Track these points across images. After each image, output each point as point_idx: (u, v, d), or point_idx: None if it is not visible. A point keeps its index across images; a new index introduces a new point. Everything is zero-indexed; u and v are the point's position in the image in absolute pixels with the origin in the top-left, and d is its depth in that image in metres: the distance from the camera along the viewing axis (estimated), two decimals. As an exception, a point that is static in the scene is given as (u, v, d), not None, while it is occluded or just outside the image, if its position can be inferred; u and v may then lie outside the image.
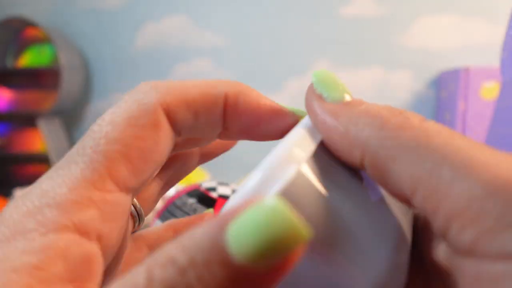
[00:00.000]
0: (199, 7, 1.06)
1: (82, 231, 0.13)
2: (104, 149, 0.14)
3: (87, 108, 1.17)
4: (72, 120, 1.18)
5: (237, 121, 0.16)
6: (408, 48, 0.97)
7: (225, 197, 0.44)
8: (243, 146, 1.04)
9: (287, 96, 1.03)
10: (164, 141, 0.15)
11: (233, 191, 0.46)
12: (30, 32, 1.08)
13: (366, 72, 1.00)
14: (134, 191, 0.15)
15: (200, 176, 0.74)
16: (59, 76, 0.98)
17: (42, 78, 1.07)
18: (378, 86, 1.00)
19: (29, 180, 1.11)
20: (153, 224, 0.44)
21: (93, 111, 1.16)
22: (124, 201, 0.14)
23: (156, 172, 0.17)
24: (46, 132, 1.02)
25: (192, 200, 0.43)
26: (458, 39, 0.97)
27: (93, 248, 0.13)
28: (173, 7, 1.08)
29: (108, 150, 0.14)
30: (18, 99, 1.07)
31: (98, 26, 1.14)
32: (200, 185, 0.46)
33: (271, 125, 0.17)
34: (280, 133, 0.17)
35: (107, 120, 0.14)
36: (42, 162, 1.09)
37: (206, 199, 0.43)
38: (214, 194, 0.44)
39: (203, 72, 1.07)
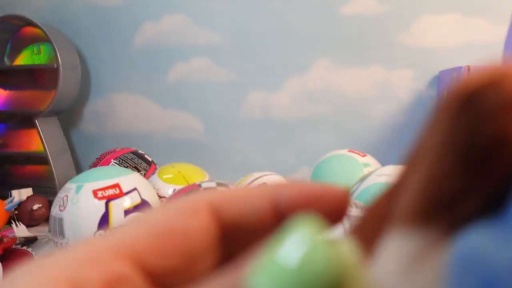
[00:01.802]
0: (198, 6, 1.05)
1: None
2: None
3: (85, 107, 1.16)
4: (70, 120, 1.17)
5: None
6: (409, 47, 0.97)
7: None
8: (243, 146, 1.03)
9: (287, 95, 1.02)
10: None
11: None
12: (28, 31, 1.07)
13: (366, 71, 0.99)
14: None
15: (199, 176, 0.73)
16: (57, 75, 0.97)
17: (40, 77, 1.06)
18: (378, 85, 0.99)
19: (26, 180, 1.11)
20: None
21: (91, 111, 1.15)
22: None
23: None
24: (43, 132, 1.01)
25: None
26: (459, 38, 0.96)
27: None
28: (172, 6, 1.07)
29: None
30: (15, 98, 1.06)
31: (96, 24, 1.13)
32: (199, 185, 0.45)
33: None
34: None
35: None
36: (40, 162, 1.08)
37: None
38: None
39: (202, 71, 1.06)
